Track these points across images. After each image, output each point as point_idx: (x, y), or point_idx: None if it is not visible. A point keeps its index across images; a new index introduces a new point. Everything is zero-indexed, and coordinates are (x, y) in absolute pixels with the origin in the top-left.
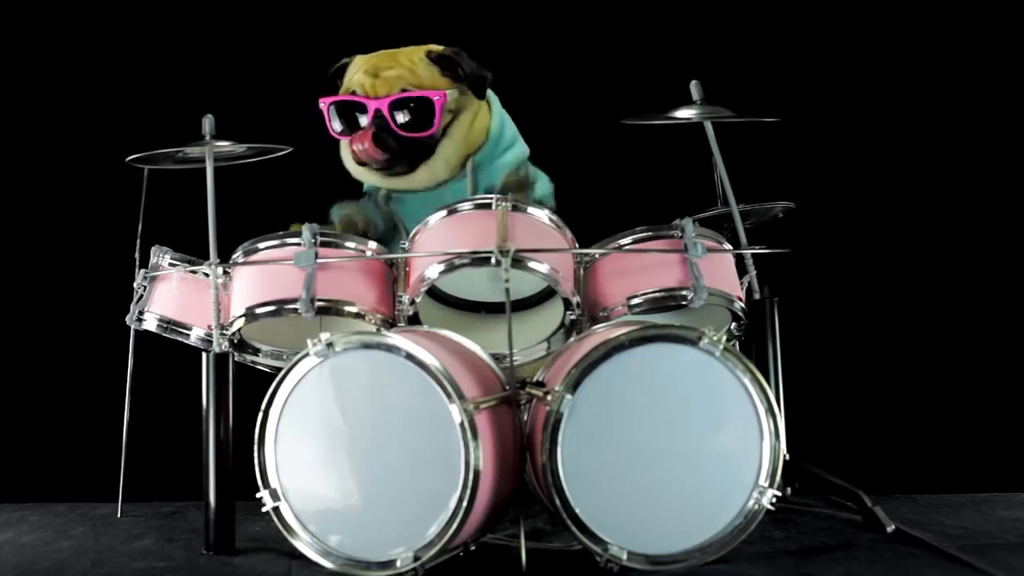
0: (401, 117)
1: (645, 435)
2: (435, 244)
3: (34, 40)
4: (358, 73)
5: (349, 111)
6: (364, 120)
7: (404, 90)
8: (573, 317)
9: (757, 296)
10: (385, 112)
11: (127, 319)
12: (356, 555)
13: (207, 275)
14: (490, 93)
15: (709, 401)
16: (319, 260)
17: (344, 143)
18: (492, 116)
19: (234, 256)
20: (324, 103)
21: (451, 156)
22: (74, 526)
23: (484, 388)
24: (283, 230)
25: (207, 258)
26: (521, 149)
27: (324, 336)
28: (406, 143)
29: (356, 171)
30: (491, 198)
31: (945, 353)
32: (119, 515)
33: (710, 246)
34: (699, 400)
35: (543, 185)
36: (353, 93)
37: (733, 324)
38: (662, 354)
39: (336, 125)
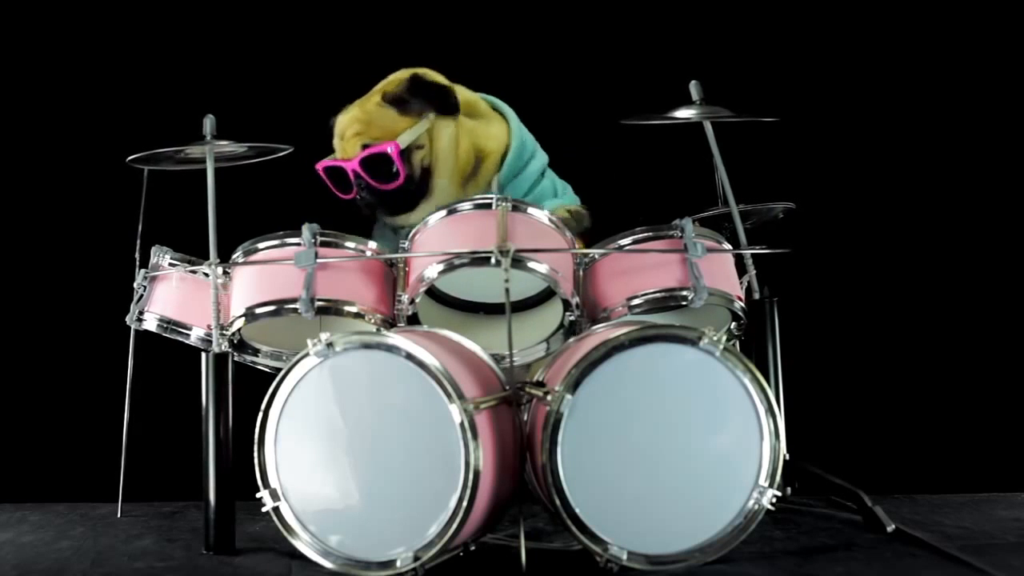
0: (373, 173)
1: (645, 435)
2: (435, 244)
3: (34, 40)
4: (336, 138)
5: (337, 176)
6: (351, 183)
7: (365, 146)
8: (572, 318)
9: (757, 296)
10: (359, 172)
11: (127, 319)
12: (356, 555)
13: (207, 275)
14: (506, 108)
15: (709, 401)
16: (319, 260)
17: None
18: (511, 131)
19: (234, 256)
20: (319, 168)
21: (445, 185)
22: (74, 526)
23: (484, 388)
24: (283, 230)
25: (207, 258)
26: (542, 158)
27: (324, 336)
28: (387, 196)
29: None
30: (491, 198)
31: (945, 353)
32: (119, 515)
33: (710, 246)
34: (699, 400)
35: (571, 199)
36: (335, 159)
37: (733, 324)
38: (662, 354)
39: (336, 187)
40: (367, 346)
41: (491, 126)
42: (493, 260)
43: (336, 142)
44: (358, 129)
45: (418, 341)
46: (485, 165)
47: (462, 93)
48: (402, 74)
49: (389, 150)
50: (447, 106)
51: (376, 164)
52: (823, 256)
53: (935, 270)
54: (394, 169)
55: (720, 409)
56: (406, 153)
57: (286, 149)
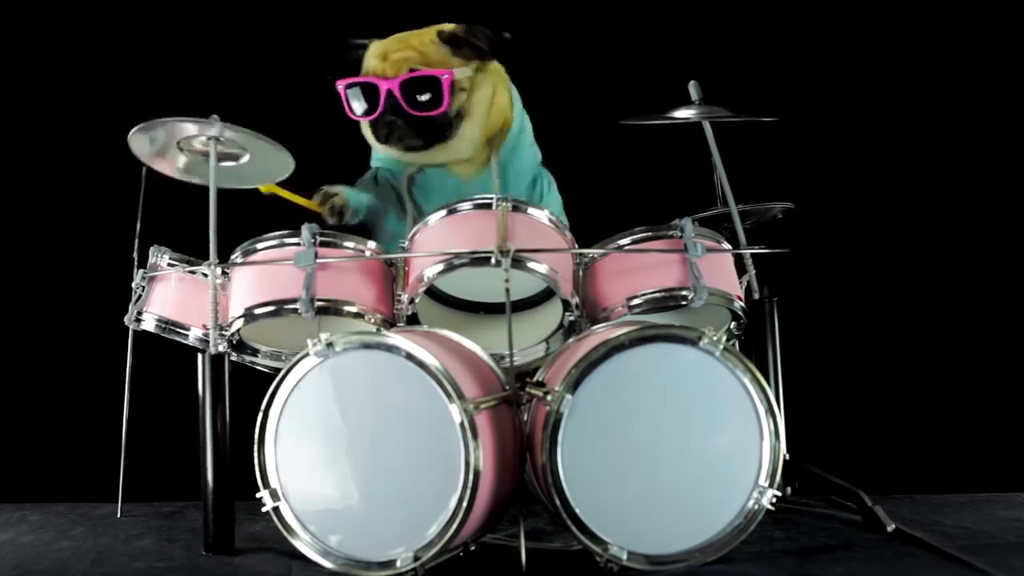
0: (411, 97)
1: (645, 435)
2: (435, 244)
3: (35, 40)
4: (371, 58)
5: (364, 93)
6: (379, 101)
7: (412, 70)
8: (572, 318)
9: (757, 296)
10: (396, 92)
11: (126, 319)
12: (356, 555)
13: (206, 275)
14: (514, 90)
15: (709, 401)
16: (318, 260)
17: (364, 123)
18: (514, 110)
19: (233, 256)
20: (340, 85)
21: (474, 134)
22: (74, 526)
23: (484, 388)
24: (283, 230)
25: (206, 258)
26: (535, 153)
27: (324, 336)
28: (418, 123)
29: (379, 148)
30: (491, 198)
31: (945, 353)
32: (119, 515)
33: (709, 246)
34: (699, 400)
35: (555, 204)
36: (367, 76)
37: (733, 324)
38: (662, 354)
39: (355, 107)
40: (367, 346)
41: (508, 104)
42: (493, 260)
43: (373, 62)
44: (409, 55)
45: (418, 341)
46: (504, 132)
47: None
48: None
49: (443, 76)
50: (499, 48)
51: (419, 88)
52: (823, 256)
53: (935, 270)
54: (440, 96)
55: (720, 409)
56: (452, 89)
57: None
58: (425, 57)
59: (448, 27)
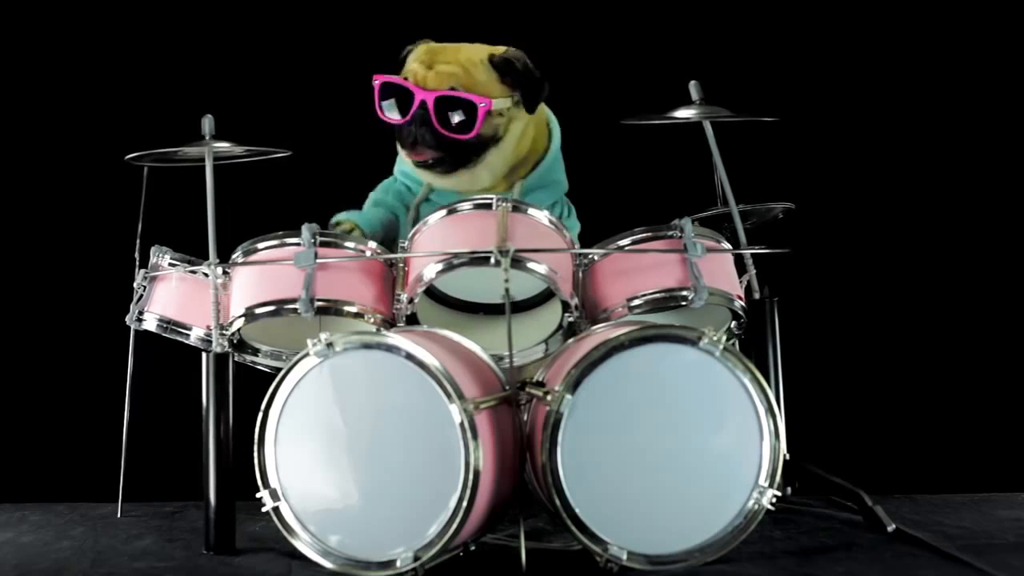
0: (443, 115)
1: (645, 435)
2: (434, 244)
3: (34, 40)
4: (415, 62)
5: (398, 96)
6: (410, 109)
7: (453, 88)
8: (571, 319)
9: (757, 296)
10: (430, 106)
11: (127, 319)
12: (356, 555)
13: (207, 275)
14: (554, 121)
15: (709, 401)
16: (319, 260)
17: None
18: (552, 142)
19: (233, 256)
20: (377, 81)
21: (496, 165)
22: (74, 526)
23: (484, 388)
24: (283, 230)
25: (207, 258)
26: (562, 183)
27: (324, 336)
28: (444, 142)
29: (405, 160)
30: (491, 198)
31: (945, 353)
32: (119, 515)
33: (709, 246)
34: (699, 400)
35: (572, 232)
36: (406, 79)
37: (733, 324)
38: (662, 354)
39: (385, 107)
40: (367, 346)
41: (544, 136)
42: (493, 260)
43: (415, 65)
44: (454, 72)
45: (418, 341)
46: (522, 167)
47: None
48: (513, 50)
49: (481, 104)
50: (534, 98)
51: (453, 108)
52: (823, 256)
53: (935, 270)
54: (472, 122)
55: (720, 409)
56: (487, 116)
57: (284, 152)
58: (470, 77)
59: (499, 51)
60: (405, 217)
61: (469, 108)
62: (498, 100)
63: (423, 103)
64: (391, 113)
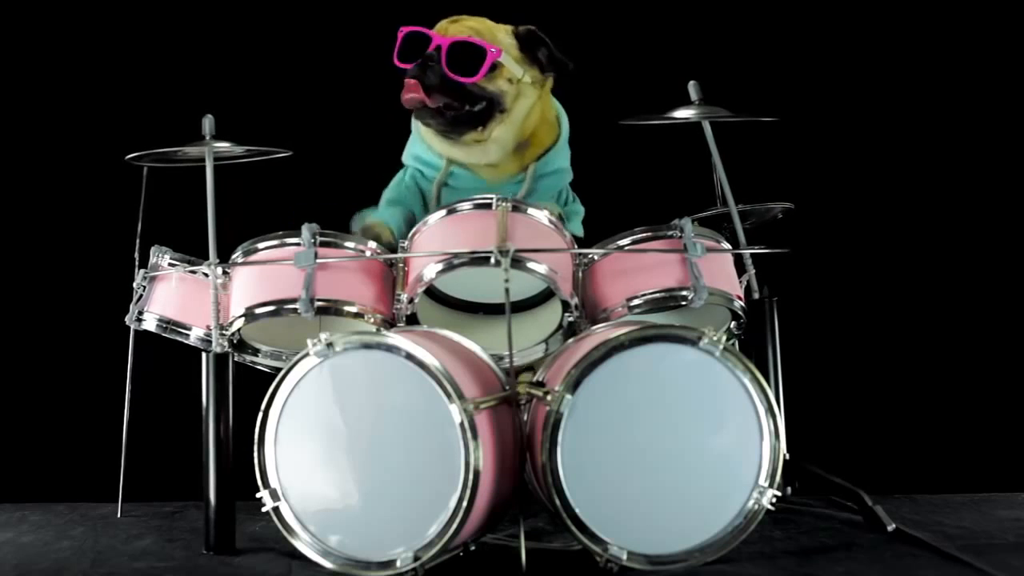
0: (454, 57)
1: (645, 435)
2: (434, 244)
3: (34, 40)
4: (443, 21)
5: (416, 41)
6: (424, 52)
7: (470, 36)
8: (571, 319)
9: (757, 296)
10: (444, 48)
11: (127, 319)
12: (356, 555)
13: (207, 275)
14: (563, 114)
15: (709, 401)
16: (319, 260)
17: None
18: (561, 132)
19: (233, 256)
20: (401, 31)
21: (504, 139)
22: (74, 526)
23: (484, 388)
24: (283, 230)
25: (207, 258)
26: (568, 171)
27: (324, 336)
28: (447, 84)
29: (425, 134)
30: (491, 198)
31: (945, 353)
32: (119, 515)
33: (709, 246)
34: (699, 400)
35: (576, 224)
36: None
37: (733, 324)
38: (662, 354)
39: (401, 52)
40: (367, 346)
41: (550, 125)
42: (493, 260)
43: (442, 22)
44: (475, 27)
45: (418, 341)
46: (531, 148)
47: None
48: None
49: (491, 50)
50: (561, 72)
51: (464, 54)
52: (822, 256)
53: (935, 270)
54: (478, 66)
55: (720, 409)
56: (495, 69)
57: (285, 152)
58: (491, 35)
59: (526, 27)
60: (420, 209)
61: (478, 53)
62: (511, 60)
63: (438, 47)
64: (404, 59)
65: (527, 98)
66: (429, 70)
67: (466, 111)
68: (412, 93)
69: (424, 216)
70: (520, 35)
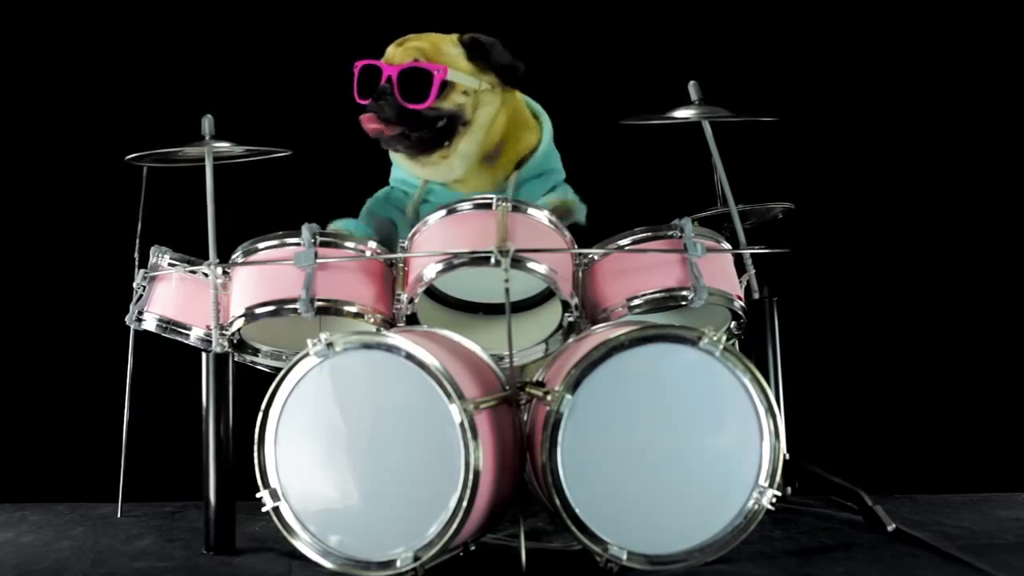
0: (405, 87)
1: (645, 435)
2: (434, 244)
3: (34, 40)
4: (392, 46)
5: (370, 75)
6: (377, 85)
7: (416, 60)
8: (571, 319)
9: (757, 296)
10: (394, 79)
11: (127, 319)
12: (356, 555)
13: (207, 275)
14: (543, 114)
15: (709, 401)
16: (319, 260)
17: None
18: (543, 134)
19: (233, 256)
20: (357, 66)
21: (467, 151)
22: (74, 526)
23: (484, 388)
24: (283, 230)
25: (207, 258)
26: (558, 172)
27: (324, 336)
28: (403, 114)
29: (397, 158)
30: (491, 198)
31: (945, 353)
32: (119, 515)
33: (709, 246)
34: (699, 400)
35: (580, 213)
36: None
37: (733, 324)
38: (662, 354)
39: (360, 88)
40: (367, 346)
41: (526, 127)
42: (493, 260)
43: (390, 48)
44: (420, 46)
45: (418, 341)
46: (506, 155)
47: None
48: (485, 36)
49: (436, 72)
50: (509, 79)
51: (415, 80)
52: (822, 256)
53: (935, 270)
54: (427, 91)
55: (720, 409)
56: (447, 87)
57: (284, 152)
58: (436, 51)
59: (471, 36)
60: (402, 223)
61: (425, 77)
62: (460, 74)
63: (389, 78)
64: (363, 95)
65: (489, 105)
66: (384, 102)
67: (427, 131)
68: (371, 125)
69: (405, 228)
70: (465, 44)
